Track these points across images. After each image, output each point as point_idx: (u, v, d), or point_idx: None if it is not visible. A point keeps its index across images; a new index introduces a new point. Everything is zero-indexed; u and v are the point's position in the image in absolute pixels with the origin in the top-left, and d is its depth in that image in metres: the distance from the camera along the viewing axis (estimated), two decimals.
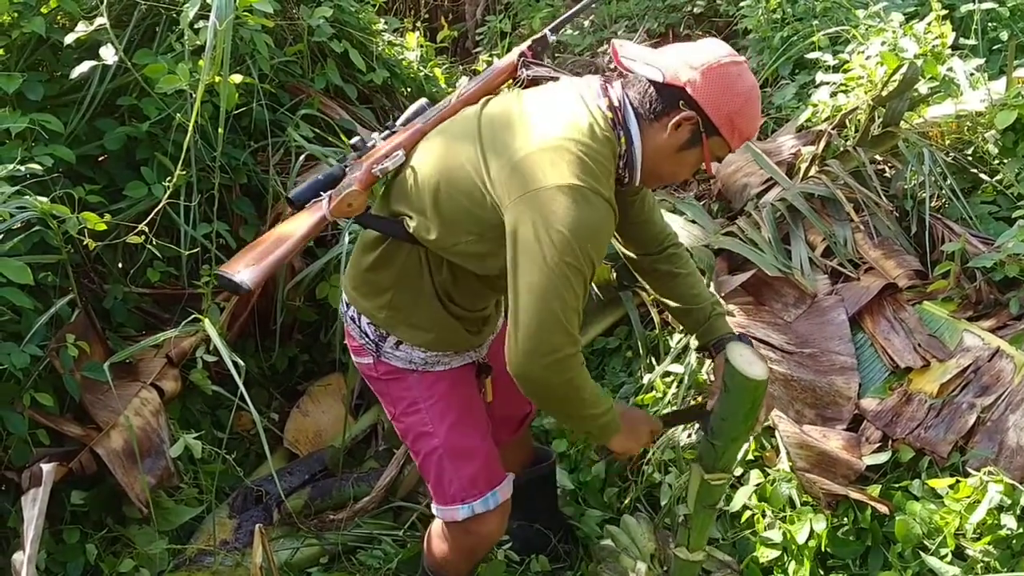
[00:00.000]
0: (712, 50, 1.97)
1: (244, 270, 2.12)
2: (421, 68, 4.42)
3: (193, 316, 2.81)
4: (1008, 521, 2.34)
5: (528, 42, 2.38)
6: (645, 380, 3.20)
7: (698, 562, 2.46)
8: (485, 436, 2.32)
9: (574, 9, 2.63)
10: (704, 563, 2.49)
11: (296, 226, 2.18)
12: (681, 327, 2.72)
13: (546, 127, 1.95)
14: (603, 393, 2.10)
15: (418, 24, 6.00)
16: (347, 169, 2.17)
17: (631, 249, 2.39)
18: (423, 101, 2.26)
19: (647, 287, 2.54)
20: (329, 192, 2.15)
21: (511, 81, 2.32)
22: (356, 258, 2.27)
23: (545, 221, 1.85)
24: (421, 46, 4.58)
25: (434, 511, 2.36)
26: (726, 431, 2.17)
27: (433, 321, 2.18)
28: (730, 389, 2.09)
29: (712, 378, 2.99)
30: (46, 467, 2.02)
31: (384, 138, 2.21)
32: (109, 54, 2.92)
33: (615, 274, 3.47)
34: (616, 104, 1.99)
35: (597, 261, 1.93)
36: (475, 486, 2.28)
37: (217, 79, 2.94)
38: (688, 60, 1.94)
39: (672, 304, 2.40)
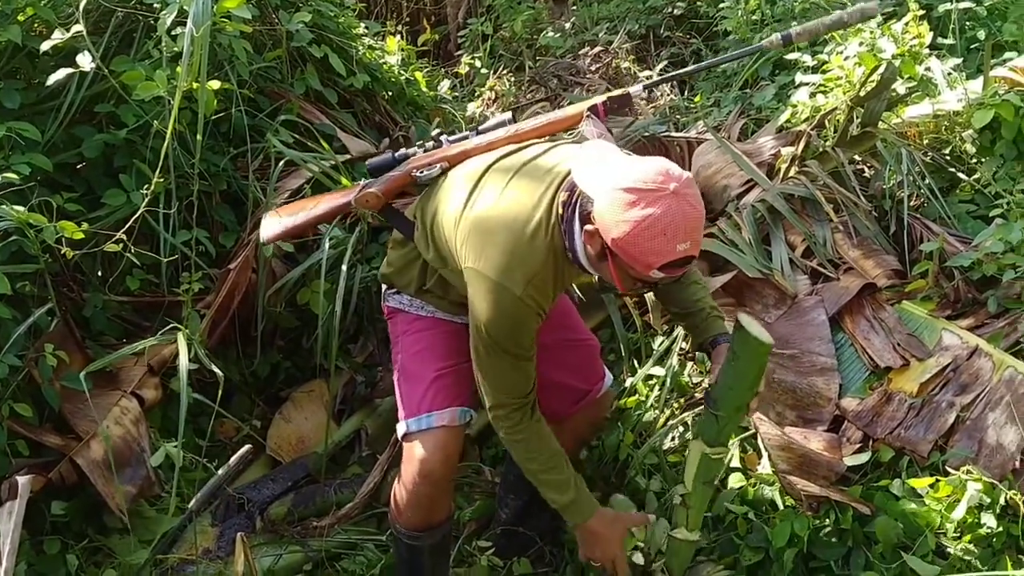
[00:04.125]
0: (635, 170, 1.94)
1: (269, 228, 2.57)
2: (402, 72, 4.41)
3: (172, 325, 2.80)
4: (988, 519, 2.35)
5: (604, 96, 2.47)
6: (628, 383, 3.21)
7: (695, 542, 2.48)
8: (441, 369, 2.45)
9: (668, 75, 2.82)
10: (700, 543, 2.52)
11: (324, 201, 2.59)
12: (680, 332, 2.80)
13: (507, 210, 2.14)
14: (564, 481, 2.33)
15: (399, 28, 5.99)
16: (396, 159, 2.47)
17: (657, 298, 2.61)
18: (506, 116, 2.46)
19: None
20: (364, 182, 2.47)
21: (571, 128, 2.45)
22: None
23: (472, 302, 2.15)
24: (402, 49, 4.57)
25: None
26: (731, 400, 2.22)
27: (416, 295, 2.49)
28: (739, 356, 2.14)
29: (694, 381, 3.03)
30: (22, 479, 2.01)
31: (453, 142, 2.46)
32: (86, 61, 2.90)
33: (597, 277, 3.47)
34: (571, 201, 2.07)
35: (517, 345, 2.18)
36: (417, 405, 2.44)
37: (195, 85, 2.93)
38: (606, 175, 1.96)
39: (671, 308, 2.51)
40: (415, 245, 2.41)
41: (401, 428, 2.47)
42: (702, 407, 2.87)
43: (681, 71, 2.88)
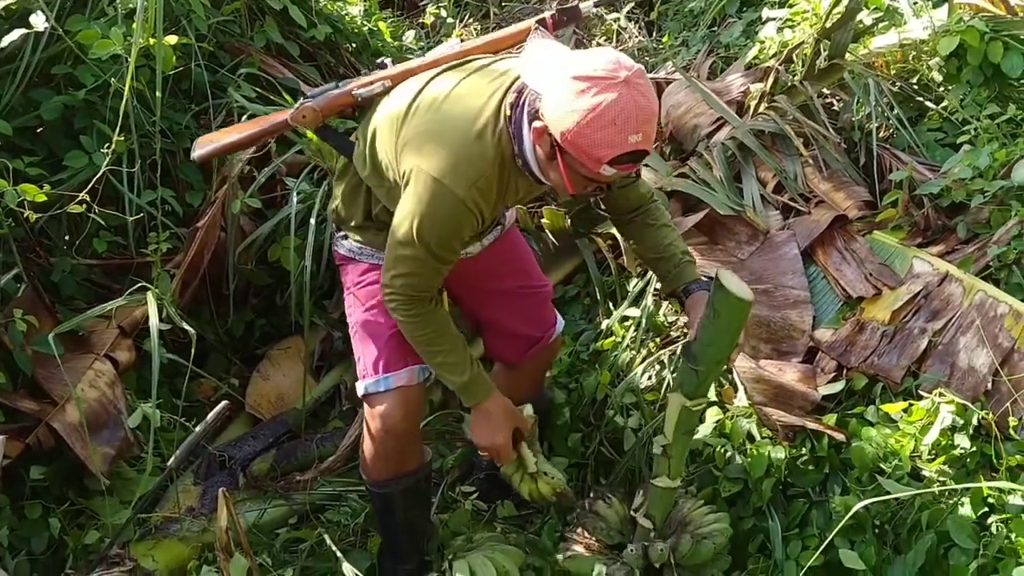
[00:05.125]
0: (585, 59, 1.88)
1: (202, 145, 2.45)
2: (365, 22, 4.34)
3: (140, 284, 2.77)
4: (961, 440, 2.39)
5: (552, 11, 2.42)
6: (604, 325, 3.22)
7: (675, 488, 2.50)
8: (396, 325, 2.37)
9: None
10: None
11: (260, 121, 2.48)
12: (654, 275, 2.75)
13: (451, 111, 2.08)
14: (459, 363, 2.29)
15: None
16: (339, 85, 2.37)
17: (613, 212, 2.47)
18: (454, 40, 2.41)
19: (620, 237, 2.59)
20: (304, 101, 2.34)
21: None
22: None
23: (407, 199, 2.08)
24: (364, 0, 4.49)
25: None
26: (711, 355, 2.20)
27: (364, 229, 2.43)
28: (719, 313, 2.11)
29: (669, 320, 3.04)
30: None
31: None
32: (40, 21, 2.83)
33: (570, 222, 3.47)
34: (519, 103, 2.01)
35: (443, 249, 2.14)
36: (373, 367, 2.42)
37: (152, 42, 2.87)
38: (553, 67, 1.90)
39: (644, 253, 2.47)
40: (351, 170, 2.36)
41: (360, 388, 2.45)
42: (678, 346, 2.90)
43: None
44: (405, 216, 2.08)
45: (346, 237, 2.49)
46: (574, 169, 1.94)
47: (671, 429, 2.36)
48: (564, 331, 3.36)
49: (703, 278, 2.41)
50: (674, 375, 2.86)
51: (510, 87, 2.06)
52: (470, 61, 2.25)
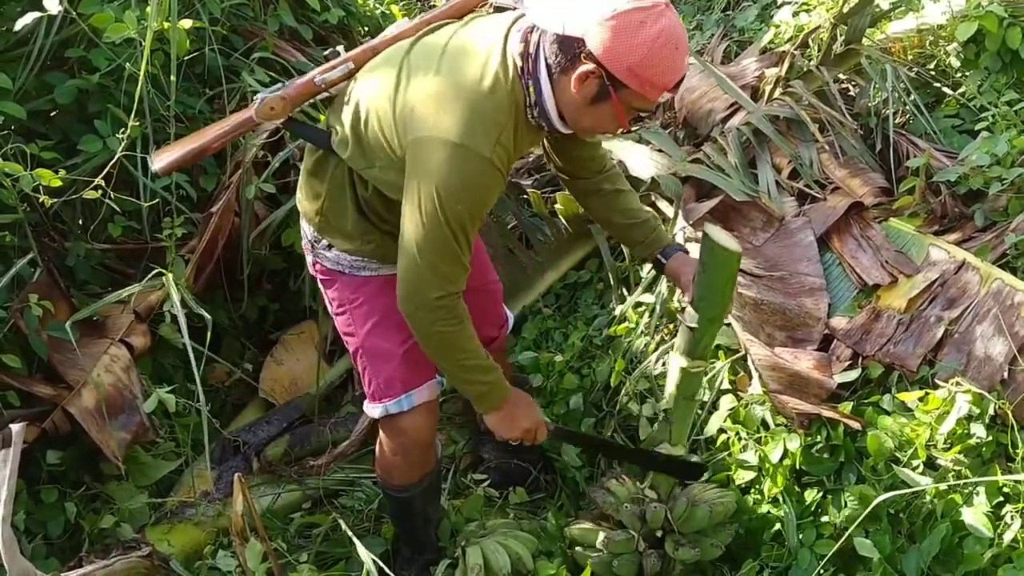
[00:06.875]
0: None
1: (162, 156, 2.22)
2: (378, 5, 4.32)
3: (157, 270, 2.77)
4: (977, 430, 2.37)
5: None
6: (617, 311, 3.21)
7: (679, 456, 2.51)
8: (406, 340, 2.29)
9: None
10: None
11: (224, 122, 2.25)
12: (628, 246, 2.67)
13: (452, 70, 1.95)
14: (488, 365, 2.19)
15: None
16: (285, 85, 2.20)
17: (577, 175, 2.40)
18: (402, 20, 2.24)
19: (588, 213, 2.54)
20: (265, 94, 2.16)
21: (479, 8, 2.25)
22: (303, 162, 2.33)
23: (424, 174, 1.91)
24: None
25: (364, 406, 2.45)
26: (704, 310, 2.20)
27: (358, 231, 2.23)
28: (708, 266, 2.12)
29: (681, 305, 3.03)
30: (15, 427, 1.99)
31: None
32: (53, 5, 2.81)
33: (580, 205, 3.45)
34: (530, 52, 1.93)
35: (472, 220, 1.98)
36: (391, 387, 2.34)
37: (166, 25, 2.86)
38: (589, 9, 1.84)
39: (618, 221, 2.42)
40: (332, 163, 2.19)
41: (377, 411, 2.37)
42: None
43: None
44: (425, 196, 1.92)
45: (330, 247, 2.29)
46: (628, 103, 1.91)
47: (671, 393, 2.36)
48: (578, 315, 3.39)
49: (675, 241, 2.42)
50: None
51: (507, 37, 1.97)
52: (443, 25, 2.13)
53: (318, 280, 2.42)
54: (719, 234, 2.07)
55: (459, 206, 1.92)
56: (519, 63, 1.93)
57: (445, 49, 2.00)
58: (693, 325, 2.23)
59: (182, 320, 2.71)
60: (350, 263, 2.30)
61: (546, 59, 1.92)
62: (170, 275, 2.71)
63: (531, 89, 1.94)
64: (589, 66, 1.86)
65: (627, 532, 2.51)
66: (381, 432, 2.47)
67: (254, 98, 2.19)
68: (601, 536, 2.52)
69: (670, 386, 2.36)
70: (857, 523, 2.18)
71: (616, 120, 1.96)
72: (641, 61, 1.82)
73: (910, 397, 2.50)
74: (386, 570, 2.17)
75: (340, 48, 2.30)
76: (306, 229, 2.35)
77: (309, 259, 2.40)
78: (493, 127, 1.91)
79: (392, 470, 2.50)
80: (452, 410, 3.26)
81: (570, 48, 1.88)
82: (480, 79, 1.92)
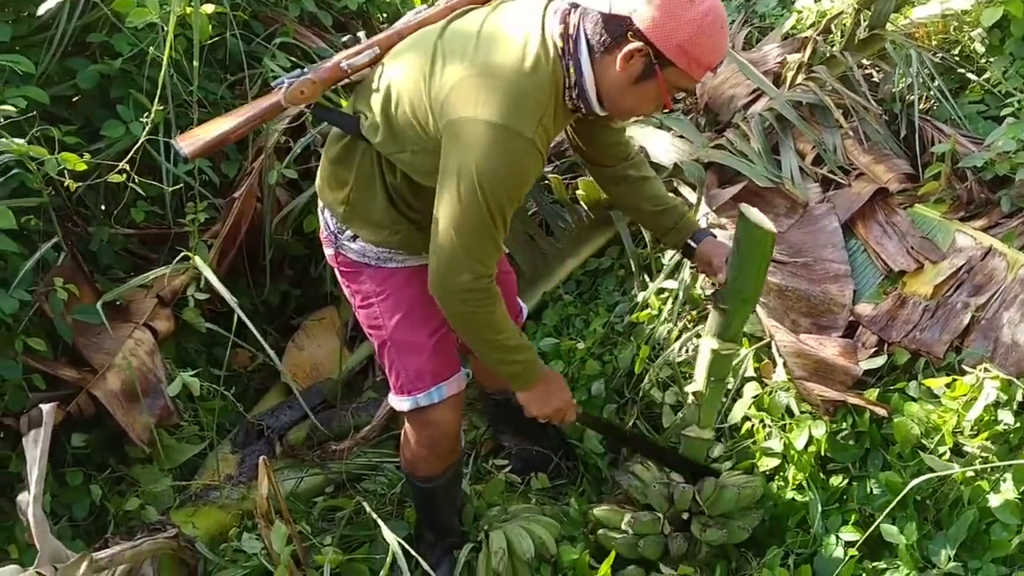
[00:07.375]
0: None
1: (189, 141, 2.14)
2: None
3: (183, 254, 2.77)
4: (1005, 416, 2.36)
5: None
6: (640, 298, 3.20)
7: (708, 440, 2.52)
8: (434, 332, 2.30)
9: None
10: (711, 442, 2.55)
11: (251, 106, 2.18)
12: (657, 233, 2.67)
13: (490, 53, 1.92)
14: (523, 344, 2.17)
15: None
16: (305, 71, 2.16)
17: (602, 162, 2.38)
18: (422, 6, 2.22)
19: (615, 201, 2.52)
20: (291, 78, 2.12)
21: None
22: (325, 150, 2.29)
23: (464, 155, 1.87)
24: None
25: (389, 399, 2.43)
26: (737, 291, 2.18)
27: (386, 220, 2.19)
28: (743, 246, 2.11)
29: (706, 292, 3.01)
30: (45, 408, 2.00)
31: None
32: None
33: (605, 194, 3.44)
34: (570, 32, 1.92)
35: (511, 202, 1.95)
36: (420, 379, 2.32)
37: (188, 10, 2.86)
38: None
39: (647, 208, 2.40)
40: (360, 150, 2.15)
41: (406, 404, 2.35)
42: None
43: None
44: (464, 178, 1.87)
45: (355, 238, 2.25)
46: (672, 83, 1.91)
47: (702, 375, 2.37)
48: (599, 302, 3.39)
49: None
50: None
51: (544, 17, 1.94)
52: (471, 10, 2.10)
53: (338, 273, 2.38)
54: (755, 214, 2.06)
55: (499, 188, 1.90)
56: (559, 44, 1.92)
57: (480, 33, 1.97)
58: (725, 306, 2.22)
59: (229, 295, 2.68)
60: (376, 255, 2.26)
61: (588, 39, 1.91)
62: (197, 258, 2.71)
63: (571, 70, 1.92)
64: (636, 44, 1.85)
65: (653, 513, 2.51)
66: (407, 425, 2.45)
67: (277, 83, 2.15)
68: (627, 517, 2.52)
69: (700, 369, 2.35)
70: (887, 510, 2.16)
71: (659, 99, 1.95)
72: (690, 39, 1.82)
73: (937, 383, 2.49)
74: (412, 552, 2.18)
75: (360, 34, 2.24)
76: (328, 220, 2.30)
77: (329, 251, 2.35)
78: (536, 108, 1.88)
79: (418, 462, 2.50)
80: (471, 395, 3.25)
81: (617, 27, 1.87)
82: (521, 60, 1.89)
